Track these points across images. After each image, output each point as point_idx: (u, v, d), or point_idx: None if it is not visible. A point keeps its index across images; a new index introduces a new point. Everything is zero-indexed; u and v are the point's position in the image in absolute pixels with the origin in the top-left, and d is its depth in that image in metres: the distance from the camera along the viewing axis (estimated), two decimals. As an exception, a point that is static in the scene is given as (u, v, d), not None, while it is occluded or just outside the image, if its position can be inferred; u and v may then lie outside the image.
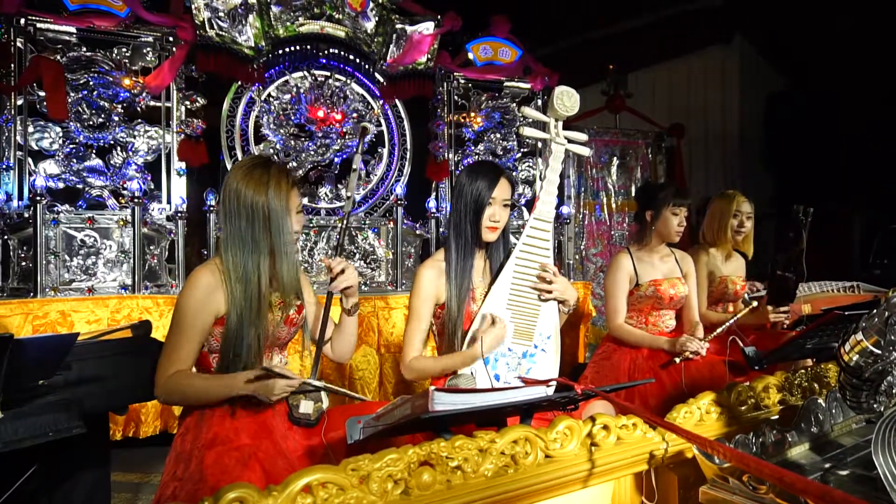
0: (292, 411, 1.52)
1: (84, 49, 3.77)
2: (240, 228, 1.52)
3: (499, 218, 1.82)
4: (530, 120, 1.93)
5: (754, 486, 0.97)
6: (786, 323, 2.64)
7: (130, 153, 3.91)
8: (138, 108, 3.94)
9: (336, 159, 4.57)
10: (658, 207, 2.54)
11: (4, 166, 3.57)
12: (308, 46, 4.40)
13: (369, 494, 0.87)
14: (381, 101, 4.72)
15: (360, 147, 1.82)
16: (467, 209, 1.81)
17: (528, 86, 5.07)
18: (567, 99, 1.81)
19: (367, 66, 4.61)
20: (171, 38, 3.95)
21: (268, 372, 1.40)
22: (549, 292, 1.79)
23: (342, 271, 1.60)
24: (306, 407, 1.51)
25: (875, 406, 1.09)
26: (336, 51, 4.49)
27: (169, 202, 3.96)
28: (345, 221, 1.78)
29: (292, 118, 4.43)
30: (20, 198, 3.60)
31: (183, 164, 3.99)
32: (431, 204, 4.44)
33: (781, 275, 2.48)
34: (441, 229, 4.48)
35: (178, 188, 3.97)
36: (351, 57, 4.55)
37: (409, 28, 4.62)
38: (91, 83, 3.75)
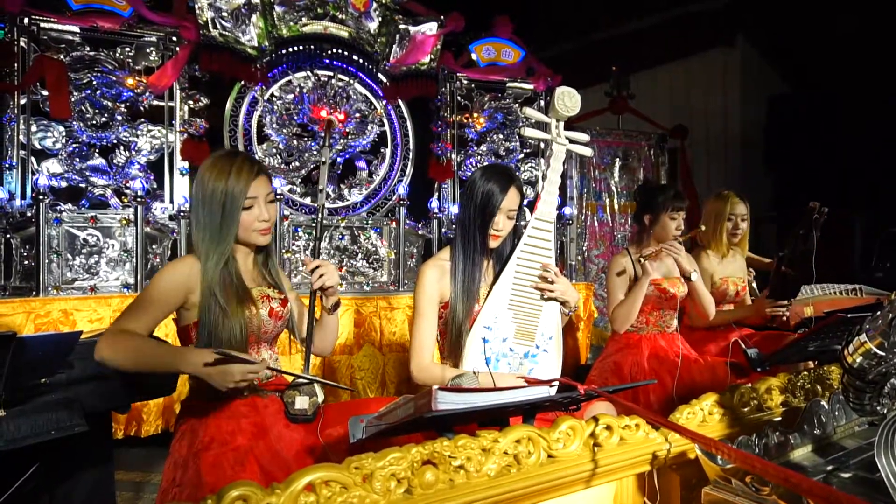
0: (288, 408, 1.51)
1: (87, 48, 3.78)
2: (206, 214, 1.56)
3: (502, 227, 1.81)
4: (532, 120, 1.92)
5: (757, 487, 0.97)
6: (784, 316, 2.62)
7: (133, 152, 3.92)
8: (141, 108, 3.95)
9: (339, 159, 4.57)
10: (656, 211, 2.54)
11: (7, 165, 3.58)
12: (311, 46, 4.41)
13: (372, 493, 0.87)
14: (384, 102, 4.73)
15: (327, 140, 1.83)
16: (476, 214, 1.80)
17: (531, 86, 5.07)
18: (568, 99, 1.80)
19: (370, 67, 4.61)
20: (174, 38, 3.96)
21: (226, 356, 1.30)
22: (551, 292, 1.79)
23: (317, 268, 1.60)
24: (302, 403, 1.50)
25: (878, 408, 1.09)
26: (339, 51, 4.50)
27: (171, 201, 3.96)
28: (319, 215, 1.75)
29: (295, 118, 4.43)
30: (23, 197, 3.61)
31: (186, 164, 4.00)
32: (434, 204, 4.44)
33: (785, 271, 2.46)
34: (443, 229, 4.48)
35: (181, 187, 3.97)
36: (354, 57, 4.56)
37: (412, 28, 4.62)
38: (94, 82, 3.76)
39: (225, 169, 1.56)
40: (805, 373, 1.53)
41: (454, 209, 4.60)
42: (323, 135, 1.95)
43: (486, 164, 4.70)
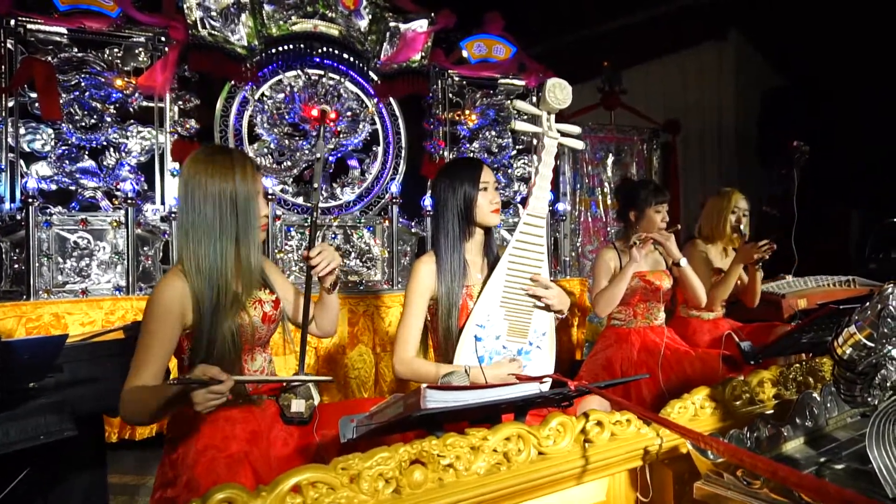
0: (284, 411, 1.51)
1: (75, 50, 3.75)
2: (206, 217, 1.46)
3: (497, 199, 1.84)
4: (523, 116, 1.90)
5: (749, 480, 0.96)
6: (766, 256, 2.62)
7: (123, 154, 3.89)
8: (131, 109, 3.92)
9: (331, 158, 4.56)
10: (640, 207, 2.60)
11: (-4, 168, 3.55)
12: (301, 45, 4.38)
13: (360, 494, 0.86)
14: (376, 100, 4.71)
15: (321, 133, 1.81)
16: (458, 205, 1.81)
17: (522, 83, 5.06)
18: (559, 91, 1.77)
19: (360, 65, 4.59)
20: (163, 38, 3.93)
21: (181, 382, 1.19)
22: (548, 298, 1.78)
23: (319, 254, 1.58)
24: (298, 405, 1.50)
25: (869, 399, 1.09)
26: (329, 49, 4.47)
27: (163, 203, 3.94)
28: (314, 214, 1.74)
29: (286, 117, 4.41)
30: (12, 200, 3.58)
31: (176, 165, 3.97)
32: (427, 202, 4.42)
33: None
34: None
35: (172, 189, 3.94)
36: (345, 55, 4.53)
37: (402, 26, 4.60)
38: (83, 84, 3.73)
39: (227, 166, 1.49)
40: (797, 365, 1.53)
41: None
42: (315, 133, 1.93)
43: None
